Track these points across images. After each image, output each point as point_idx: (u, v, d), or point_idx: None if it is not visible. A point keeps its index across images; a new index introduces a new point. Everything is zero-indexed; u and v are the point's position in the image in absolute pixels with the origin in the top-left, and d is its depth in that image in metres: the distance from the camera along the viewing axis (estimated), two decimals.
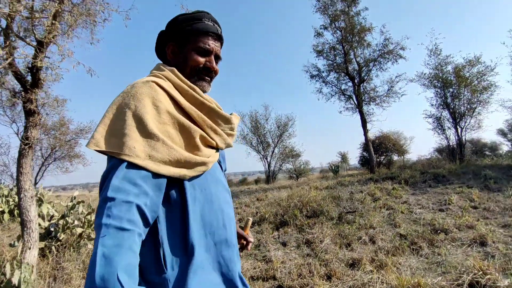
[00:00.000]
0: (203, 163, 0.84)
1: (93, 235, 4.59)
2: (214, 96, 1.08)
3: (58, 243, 4.40)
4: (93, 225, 4.72)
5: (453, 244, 4.06)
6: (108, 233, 0.61)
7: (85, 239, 4.54)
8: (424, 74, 12.50)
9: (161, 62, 1.03)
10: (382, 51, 10.81)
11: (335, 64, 11.27)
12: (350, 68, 11.27)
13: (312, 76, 12.06)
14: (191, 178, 0.83)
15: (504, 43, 10.60)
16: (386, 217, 5.45)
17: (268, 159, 18.42)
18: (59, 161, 11.63)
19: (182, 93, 0.89)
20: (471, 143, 34.95)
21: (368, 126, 11.41)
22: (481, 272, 2.74)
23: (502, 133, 42.76)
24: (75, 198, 5.01)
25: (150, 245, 0.77)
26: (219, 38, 1.00)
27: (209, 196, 0.87)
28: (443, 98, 12.19)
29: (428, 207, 5.90)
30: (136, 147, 0.73)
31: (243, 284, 0.89)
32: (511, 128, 41.58)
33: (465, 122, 12.09)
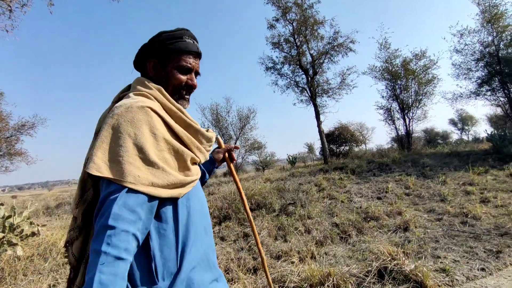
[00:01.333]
0: (193, 181, 0.94)
1: (14, 240, 4.25)
2: None
3: None
4: (11, 232, 4.38)
5: (380, 230, 4.24)
6: (107, 261, 0.68)
7: (5, 245, 4.19)
8: (375, 67, 12.98)
9: (140, 74, 1.08)
10: (332, 44, 11.03)
11: (289, 56, 11.33)
12: (303, 60, 11.38)
13: (267, 68, 12.07)
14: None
15: (444, 38, 11.22)
16: (326, 207, 5.60)
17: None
18: None
19: (171, 114, 0.96)
20: (425, 132, 37.20)
21: (322, 117, 11.69)
22: (389, 258, 2.86)
23: (453, 122, 46.00)
24: None
25: (142, 259, 0.83)
26: (198, 55, 1.07)
27: (196, 206, 0.97)
28: (392, 90, 12.76)
29: (368, 196, 6.14)
30: (140, 176, 0.79)
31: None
32: (460, 118, 44.83)
33: (413, 113, 12.78)
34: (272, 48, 11.72)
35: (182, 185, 0.90)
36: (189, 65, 1.02)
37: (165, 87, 1.00)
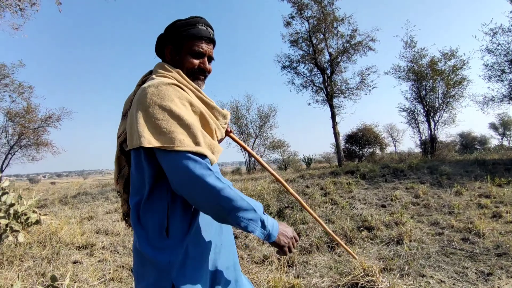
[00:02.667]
0: (219, 151, 1.03)
1: (16, 227, 4.49)
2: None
3: None
4: (15, 214, 4.64)
5: (372, 241, 4.02)
6: (232, 188, 0.89)
7: (8, 231, 4.44)
8: (400, 67, 12.33)
9: (161, 60, 1.18)
10: (350, 42, 10.56)
11: (307, 54, 11.00)
12: (321, 59, 11.00)
13: (284, 67, 11.82)
14: None
15: (475, 37, 10.39)
16: (325, 213, 5.40)
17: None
18: (25, 149, 11.42)
19: (191, 92, 1.05)
20: (461, 136, 34.91)
21: (338, 118, 11.26)
22: (362, 274, 2.68)
23: (493, 127, 42.69)
24: (3, 189, 4.88)
25: (158, 216, 0.95)
26: (211, 40, 1.13)
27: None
28: (417, 92, 12.05)
29: (372, 203, 5.85)
30: (184, 139, 0.89)
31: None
32: (502, 122, 41.50)
33: (439, 116, 12.00)
34: (290, 46, 11.50)
35: (215, 150, 0.99)
36: (201, 49, 1.09)
37: (180, 70, 1.08)
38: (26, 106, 10.76)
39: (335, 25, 10.68)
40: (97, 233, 5.22)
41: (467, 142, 34.66)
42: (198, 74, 1.12)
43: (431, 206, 5.31)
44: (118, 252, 4.31)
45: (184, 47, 1.09)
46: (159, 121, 0.90)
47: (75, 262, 3.99)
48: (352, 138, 19.04)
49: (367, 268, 2.73)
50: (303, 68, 11.62)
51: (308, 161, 15.92)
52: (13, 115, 10.51)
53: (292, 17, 10.82)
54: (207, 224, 1.04)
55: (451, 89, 11.44)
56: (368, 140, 18.76)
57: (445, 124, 12.09)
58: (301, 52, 11.22)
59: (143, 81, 1.12)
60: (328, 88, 11.11)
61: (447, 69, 11.58)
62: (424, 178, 7.27)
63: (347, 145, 19.60)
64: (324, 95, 11.33)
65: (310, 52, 10.84)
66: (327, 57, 11.09)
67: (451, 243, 3.74)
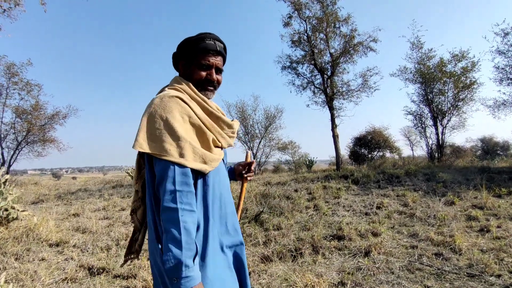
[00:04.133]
0: (215, 160, 1.10)
1: None
2: None
3: None
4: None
5: (340, 252, 3.83)
6: (184, 214, 0.92)
7: None
8: (406, 68, 11.85)
9: (178, 74, 1.28)
10: (349, 43, 10.20)
11: (309, 55, 10.69)
12: (320, 60, 10.67)
13: (284, 67, 11.61)
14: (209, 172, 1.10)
15: (485, 37, 9.84)
16: (306, 218, 5.22)
17: (254, 150, 18.17)
18: (31, 145, 11.81)
19: (197, 103, 1.15)
20: (482, 141, 33.34)
21: (337, 121, 10.90)
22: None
23: None
24: None
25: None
26: (218, 53, 1.21)
27: (220, 182, 1.17)
28: (424, 95, 11.53)
29: (356, 210, 5.61)
30: (171, 149, 0.98)
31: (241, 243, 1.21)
32: None
33: (448, 120, 11.44)
34: (291, 46, 11.25)
35: (207, 160, 1.06)
36: (208, 62, 1.17)
37: (190, 82, 1.18)
38: (34, 103, 11.15)
39: (337, 25, 10.37)
40: (75, 230, 5.26)
41: (489, 148, 33.04)
42: (206, 85, 1.20)
43: (416, 216, 5.02)
44: (87, 251, 4.30)
45: (193, 61, 1.18)
46: (155, 129, 1.01)
47: (42, 260, 4.01)
48: (360, 141, 18.56)
49: (309, 283, 2.58)
50: (303, 69, 11.36)
51: (309, 164, 15.59)
52: (20, 112, 10.90)
53: (290, 17, 10.59)
54: (214, 237, 1.08)
55: (461, 92, 10.89)
56: (378, 143, 18.22)
57: (453, 129, 11.54)
58: (302, 53, 10.94)
59: (161, 91, 1.22)
60: (328, 89, 10.79)
61: (458, 71, 11.03)
62: (419, 186, 6.93)
63: (355, 148, 19.16)
64: (323, 96, 11.02)
65: (310, 52, 10.53)
66: (326, 58, 10.78)
67: (421, 258, 3.50)
